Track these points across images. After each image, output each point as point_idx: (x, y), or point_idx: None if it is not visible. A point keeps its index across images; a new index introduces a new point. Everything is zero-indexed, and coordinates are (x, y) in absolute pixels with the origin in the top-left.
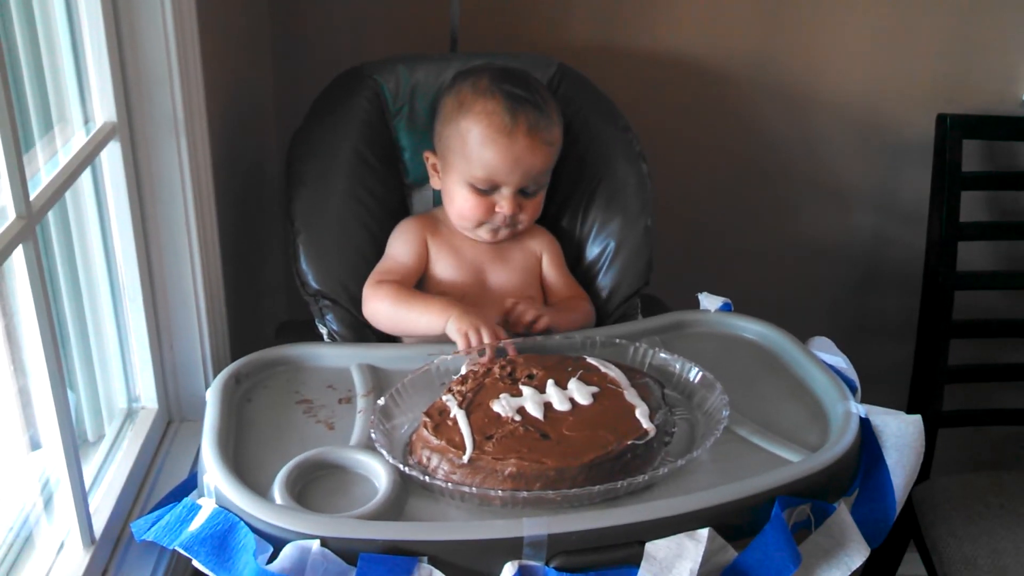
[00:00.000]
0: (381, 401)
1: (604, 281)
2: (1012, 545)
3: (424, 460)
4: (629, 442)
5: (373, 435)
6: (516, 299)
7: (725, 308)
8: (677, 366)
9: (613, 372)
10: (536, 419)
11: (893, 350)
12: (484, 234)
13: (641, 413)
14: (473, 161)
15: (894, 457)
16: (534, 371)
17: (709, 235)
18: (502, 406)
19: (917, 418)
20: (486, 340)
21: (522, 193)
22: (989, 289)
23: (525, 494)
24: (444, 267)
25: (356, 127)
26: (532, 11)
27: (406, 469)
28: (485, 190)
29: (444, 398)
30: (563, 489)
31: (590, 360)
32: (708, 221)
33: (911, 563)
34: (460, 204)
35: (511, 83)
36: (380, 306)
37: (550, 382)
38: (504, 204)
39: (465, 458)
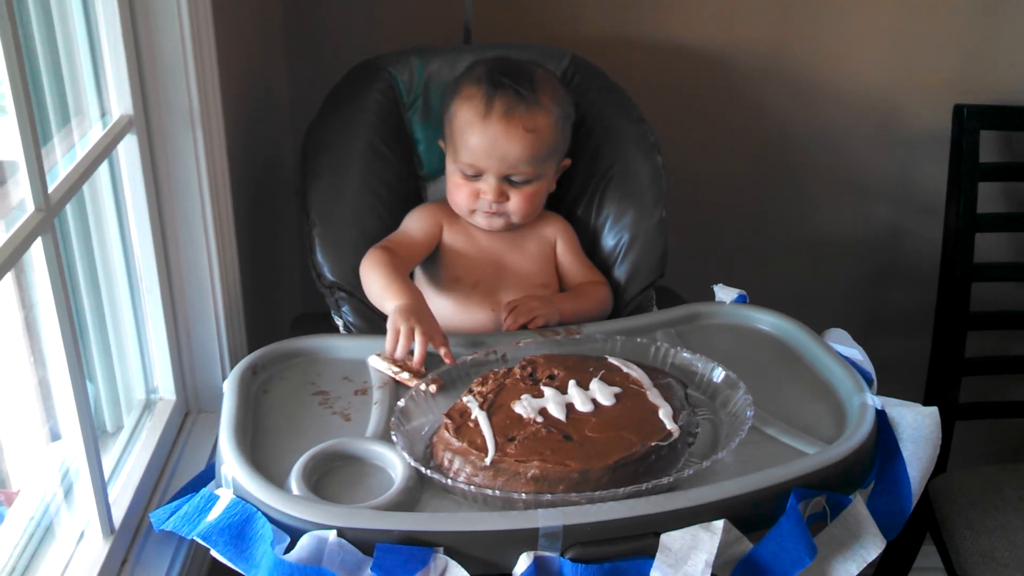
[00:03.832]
0: (401, 402)
1: (619, 273)
2: None
3: (446, 462)
4: (653, 443)
5: (394, 437)
6: (514, 301)
7: (740, 300)
8: (699, 365)
9: (635, 372)
10: (558, 420)
11: (909, 342)
12: (480, 221)
13: (665, 414)
14: (458, 146)
15: (910, 449)
16: (555, 371)
17: (724, 226)
18: (524, 407)
19: (934, 410)
20: (416, 346)
21: (508, 182)
22: (1006, 281)
23: (549, 497)
24: (459, 253)
25: (370, 119)
26: (545, 2)
27: (427, 472)
28: (472, 176)
29: (465, 399)
30: (586, 491)
31: (611, 360)
32: (723, 212)
33: (927, 556)
34: (451, 189)
35: (502, 71)
36: (364, 269)
37: (572, 382)
38: (486, 189)
39: (487, 460)
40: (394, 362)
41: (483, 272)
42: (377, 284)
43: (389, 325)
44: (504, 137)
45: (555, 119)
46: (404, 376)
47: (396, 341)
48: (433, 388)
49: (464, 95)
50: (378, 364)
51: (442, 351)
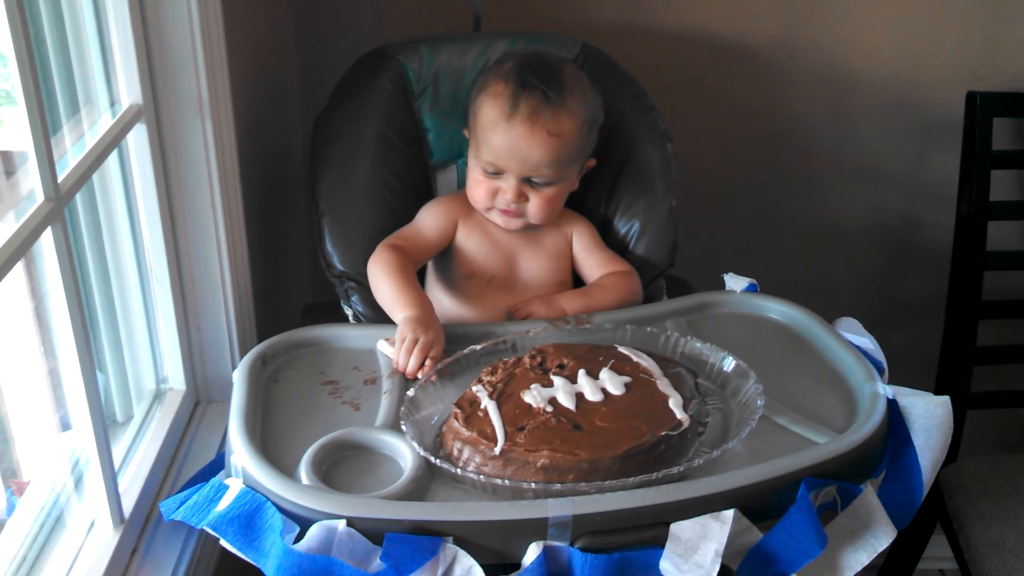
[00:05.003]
0: (411, 392)
1: (629, 262)
2: None
3: (455, 452)
4: (663, 433)
5: (403, 426)
6: (516, 304)
7: (751, 289)
8: (710, 354)
9: (645, 361)
10: (568, 410)
11: (921, 331)
12: (496, 219)
13: (675, 403)
14: (481, 143)
15: (921, 439)
16: (565, 361)
17: (735, 215)
18: (533, 397)
19: (945, 399)
20: (413, 356)
21: (529, 183)
22: (1019, 269)
23: (558, 486)
24: (474, 250)
25: (380, 108)
26: None
27: (437, 461)
28: (493, 173)
29: (474, 388)
30: (596, 481)
31: (621, 349)
32: (734, 201)
33: (938, 545)
34: (471, 184)
35: (531, 70)
36: (372, 270)
37: (581, 372)
38: (506, 189)
39: (497, 450)
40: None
41: (497, 268)
42: (386, 291)
43: (397, 336)
44: (527, 140)
45: (581, 123)
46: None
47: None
48: (432, 377)
49: (490, 91)
50: (386, 349)
51: (427, 362)
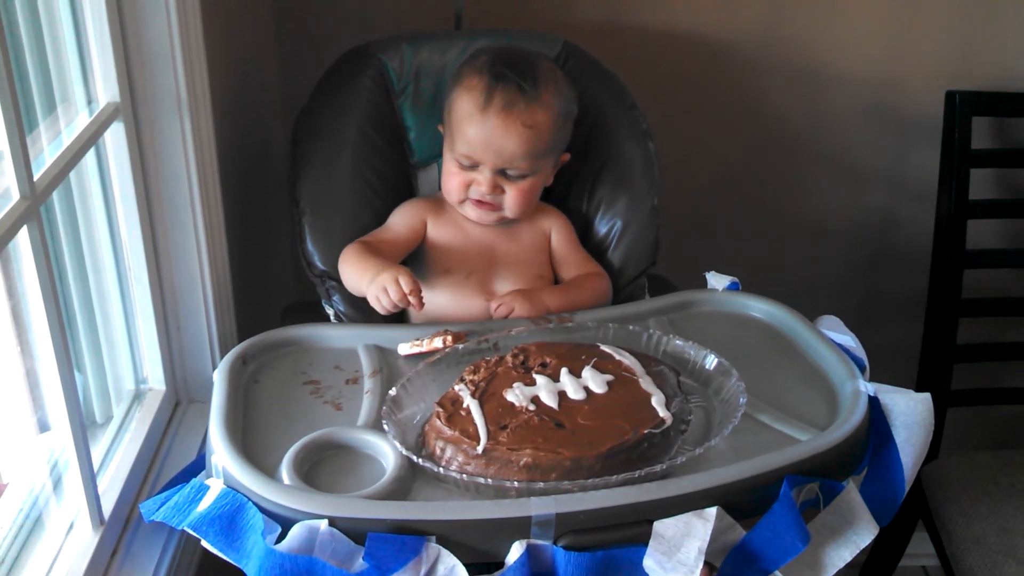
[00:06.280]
0: (393, 391)
1: (611, 260)
2: (1021, 524)
3: (437, 451)
4: (646, 431)
5: (386, 426)
6: (499, 298)
7: (733, 287)
8: (692, 353)
9: (628, 360)
10: (551, 408)
11: (902, 329)
12: (469, 212)
13: (657, 401)
14: (455, 135)
15: (903, 435)
16: (547, 359)
17: (716, 214)
18: (516, 395)
19: (926, 396)
20: (394, 297)
21: (504, 175)
22: (998, 267)
23: (541, 485)
24: (448, 245)
25: (361, 107)
26: None
27: (419, 460)
28: (467, 166)
29: (457, 388)
30: (579, 479)
31: (604, 348)
32: (716, 200)
33: (920, 542)
34: (445, 176)
35: (505, 63)
36: (341, 265)
37: (564, 370)
38: (481, 181)
39: (480, 448)
40: (415, 341)
41: (475, 263)
42: (353, 272)
43: (372, 298)
44: (502, 131)
45: (555, 116)
46: (436, 343)
47: (390, 302)
48: (450, 340)
49: (465, 85)
50: (406, 351)
51: (403, 283)
